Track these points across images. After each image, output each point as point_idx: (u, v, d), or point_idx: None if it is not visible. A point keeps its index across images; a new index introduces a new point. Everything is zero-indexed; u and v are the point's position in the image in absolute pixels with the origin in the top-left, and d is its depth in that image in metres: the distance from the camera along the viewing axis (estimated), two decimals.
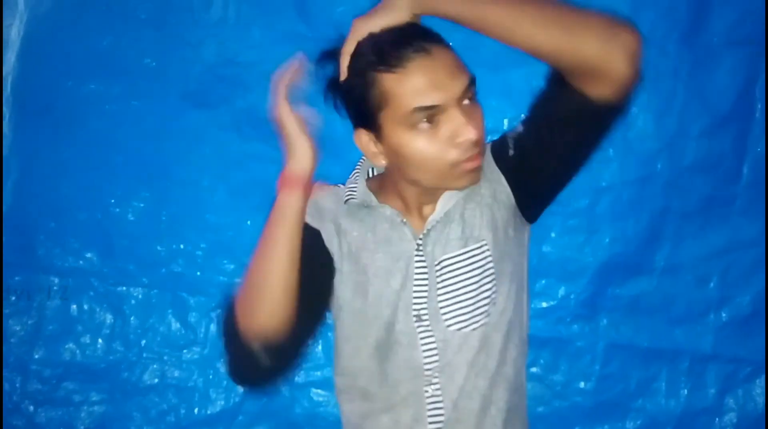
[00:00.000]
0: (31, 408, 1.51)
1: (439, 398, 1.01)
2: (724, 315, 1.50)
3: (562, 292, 1.51)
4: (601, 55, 0.85)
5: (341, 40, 0.95)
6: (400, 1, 0.91)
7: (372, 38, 0.91)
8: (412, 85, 0.89)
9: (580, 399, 1.52)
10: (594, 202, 1.48)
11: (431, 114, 0.90)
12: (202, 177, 1.52)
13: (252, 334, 0.93)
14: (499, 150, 1.04)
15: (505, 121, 1.48)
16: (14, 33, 1.50)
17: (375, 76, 0.91)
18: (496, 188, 1.03)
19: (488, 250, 1.01)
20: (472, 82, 0.92)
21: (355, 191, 1.04)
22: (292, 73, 0.97)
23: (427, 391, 1.01)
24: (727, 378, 1.50)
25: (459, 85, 0.90)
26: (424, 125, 0.91)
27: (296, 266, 0.95)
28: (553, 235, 1.50)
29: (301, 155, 0.95)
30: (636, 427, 1.51)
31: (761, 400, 1.49)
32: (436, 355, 1.01)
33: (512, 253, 1.05)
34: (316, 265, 1.02)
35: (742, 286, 1.49)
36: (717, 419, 1.50)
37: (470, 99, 0.93)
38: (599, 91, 0.88)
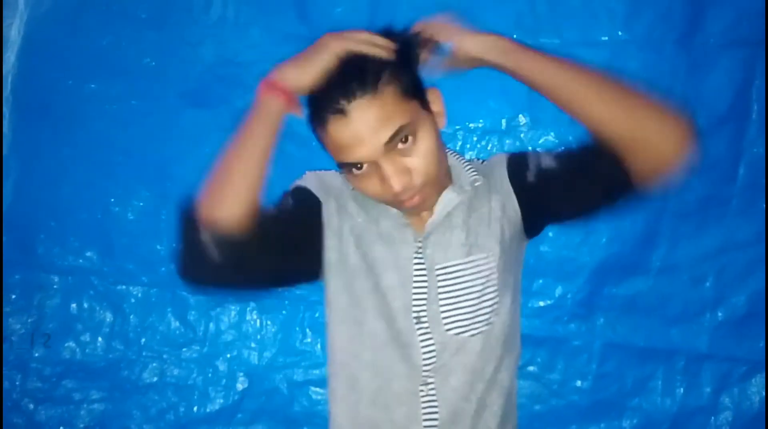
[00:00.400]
0: (31, 406, 1.52)
1: (434, 398, 1.02)
2: (719, 315, 1.50)
3: (559, 291, 1.51)
4: (656, 136, 0.87)
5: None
6: (488, 40, 0.97)
7: (318, 87, 0.93)
8: (335, 143, 0.92)
9: (577, 398, 1.52)
10: None
11: (358, 166, 0.93)
12: (202, 176, 1.52)
13: (207, 222, 0.92)
14: (517, 168, 1.04)
15: (503, 121, 1.49)
16: (14, 32, 1.51)
17: (312, 126, 0.96)
18: (506, 203, 1.04)
19: (493, 261, 1.02)
20: (403, 127, 0.92)
21: None
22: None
23: (422, 391, 1.02)
24: (723, 377, 1.50)
25: (379, 140, 0.90)
26: (354, 171, 0.94)
27: (264, 165, 0.95)
28: (550, 234, 1.50)
29: (306, 73, 0.92)
30: (632, 426, 1.52)
31: (757, 399, 1.49)
32: (433, 356, 1.02)
33: (512, 266, 1.07)
34: (301, 225, 1.03)
35: (738, 286, 1.50)
36: (713, 418, 1.50)
37: (405, 141, 0.93)
38: (642, 172, 0.90)
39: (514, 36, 1.43)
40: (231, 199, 0.93)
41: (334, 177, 1.10)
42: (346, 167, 0.94)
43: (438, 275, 1.02)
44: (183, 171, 1.52)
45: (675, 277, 1.51)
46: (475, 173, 1.07)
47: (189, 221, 0.95)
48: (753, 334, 1.49)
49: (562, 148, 1.02)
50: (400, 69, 0.93)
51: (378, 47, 0.93)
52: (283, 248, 1.01)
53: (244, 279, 0.98)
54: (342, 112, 0.89)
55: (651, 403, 1.52)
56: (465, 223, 1.03)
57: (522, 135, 1.49)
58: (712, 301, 1.50)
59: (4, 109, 1.52)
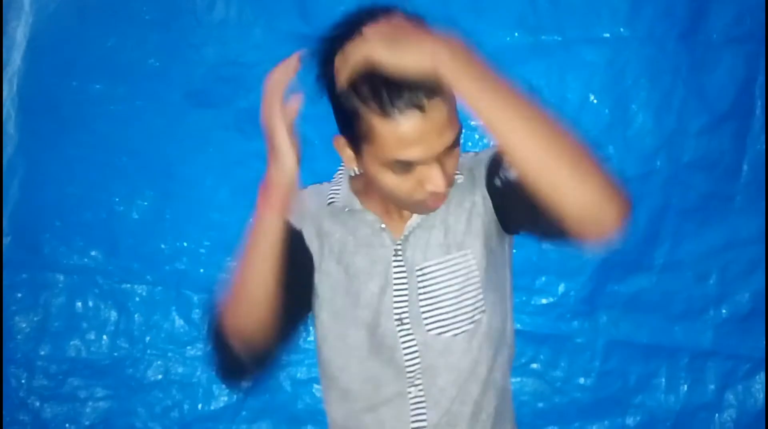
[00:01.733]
0: (38, 404, 1.53)
1: (422, 399, 1.02)
2: (723, 312, 1.50)
3: (561, 288, 1.51)
4: (591, 212, 0.79)
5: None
6: (427, 50, 0.81)
7: (375, 69, 0.89)
8: (398, 138, 0.86)
9: (580, 395, 1.52)
10: None
11: (409, 165, 0.91)
12: (206, 176, 1.54)
13: (236, 339, 0.95)
14: (492, 168, 1.04)
15: None
16: (20, 34, 1.52)
17: (365, 110, 0.87)
18: (484, 200, 1.04)
19: (473, 258, 1.02)
20: (459, 135, 0.92)
21: (338, 193, 1.05)
22: (287, 71, 0.90)
23: (410, 392, 1.03)
24: (727, 374, 1.50)
25: (444, 143, 0.88)
26: (399, 170, 0.92)
27: (278, 277, 0.95)
28: None
29: (283, 169, 0.89)
30: (636, 423, 1.52)
31: (761, 396, 1.49)
32: (417, 357, 1.02)
33: (496, 263, 1.06)
34: (296, 265, 1.03)
35: (742, 283, 1.50)
36: (716, 415, 1.50)
37: (452, 148, 0.92)
38: (577, 236, 0.84)
39: (516, 34, 1.47)
40: (253, 319, 0.94)
41: (309, 196, 1.09)
42: (398, 166, 0.92)
43: (418, 276, 1.02)
44: (187, 170, 1.54)
45: (678, 274, 1.50)
46: (457, 172, 1.06)
47: (218, 335, 0.97)
48: (757, 331, 1.49)
49: None
50: None
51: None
52: (299, 311, 1.04)
53: (279, 359, 1.02)
54: (421, 107, 0.84)
55: (654, 400, 1.51)
56: (443, 222, 1.03)
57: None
58: (716, 299, 1.50)
59: (10, 110, 1.53)
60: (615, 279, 1.51)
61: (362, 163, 0.95)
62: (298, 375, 1.54)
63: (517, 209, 0.98)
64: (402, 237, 1.03)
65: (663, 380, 1.51)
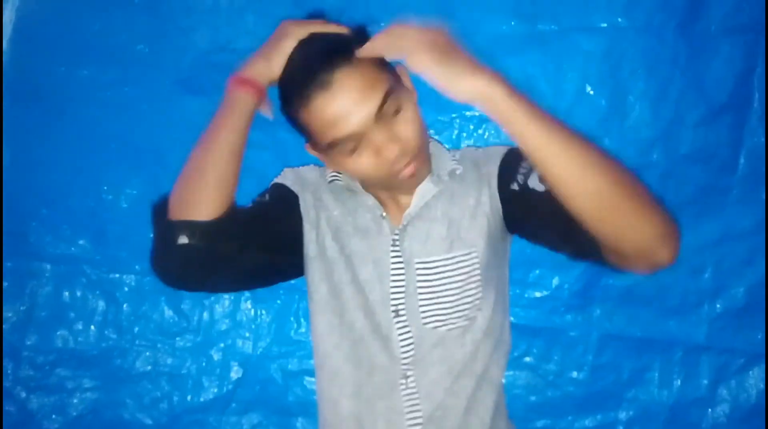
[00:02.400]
0: (24, 394, 1.51)
1: (414, 390, 1.01)
2: (718, 306, 1.49)
3: (555, 282, 1.50)
4: (641, 240, 0.80)
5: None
6: (479, 85, 0.81)
7: (292, 68, 0.92)
8: (321, 121, 0.89)
9: (573, 389, 1.51)
10: None
11: (350, 140, 0.90)
12: None
13: (179, 217, 0.93)
14: (507, 169, 1.02)
15: None
16: (6, 18, 1.49)
17: (294, 112, 0.93)
18: (492, 199, 1.02)
19: (477, 257, 1.01)
20: (388, 93, 0.90)
21: (340, 173, 1.05)
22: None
23: (402, 384, 1.02)
24: (721, 369, 1.50)
25: (368, 107, 0.89)
26: (348, 150, 0.91)
27: (236, 161, 0.95)
28: None
29: (273, 65, 0.95)
30: (629, 418, 1.51)
31: (754, 391, 1.49)
32: (411, 349, 1.01)
33: (498, 261, 1.05)
34: (285, 220, 1.02)
35: (737, 276, 1.49)
36: (710, 410, 1.50)
37: (393, 109, 0.91)
38: (622, 267, 0.86)
39: (512, 23, 1.45)
40: (205, 196, 0.93)
41: (310, 171, 1.10)
42: (336, 149, 0.91)
43: (417, 269, 1.01)
44: (176, 158, 1.47)
45: (673, 267, 1.48)
46: (455, 162, 1.05)
47: (162, 218, 0.94)
48: (752, 325, 1.48)
49: None
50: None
51: (336, 28, 0.93)
52: (263, 244, 1.01)
53: (224, 274, 0.97)
54: (325, 85, 0.88)
55: (648, 394, 1.51)
56: (446, 216, 1.02)
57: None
58: (711, 292, 1.49)
59: None
60: (609, 272, 1.50)
61: (328, 161, 0.95)
62: (289, 366, 1.53)
63: (533, 220, 0.96)
64: (400, 227, 1.02)
65: (656, 374, 1.51)
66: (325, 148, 0.94)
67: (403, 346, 1.02)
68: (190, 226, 0.91)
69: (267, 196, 1.05)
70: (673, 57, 1.43)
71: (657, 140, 1.45)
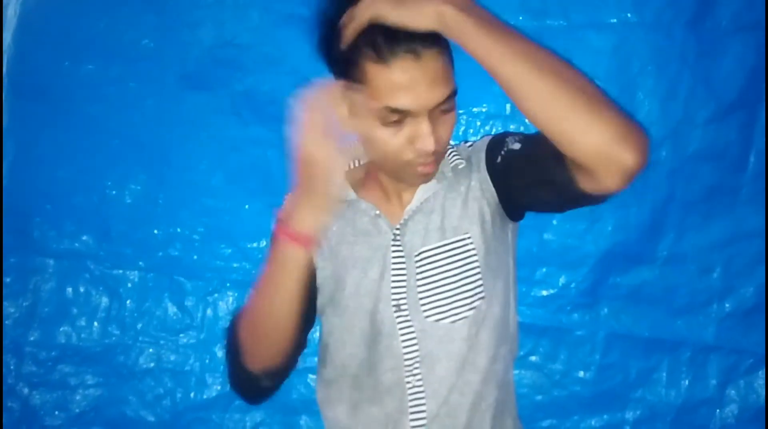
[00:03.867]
0: (26, 390, 1.51)
1: (421, 388, 1.00)
2: (726, 306, 1.48)
3: (562, 280, 1.49)
4: (608, 151, 0.78)
5: None
6: (430, 10, 0.84)
7: (377, 23, 0.88)
8: (391, 83, 0.87)
9: (579, 388, 1.50)
10: None
11: (400, 115, 0.89)
12: (200, 160, 1.51)
13: (256, 368, 0.97)
14: (492, 149, 1.03)
15: (507, 106, 1.46)
16: (10, 13, 1.48)
17: (361, 56, 0.89)
18: (483, 184, 1.02)
19: (471, 243, 1.00)
20: (453, 94, 0.90)
21: None
22: (326, 96, 0.86)
23: (409, 382, 1.01)
24: (729, 369, 1.48)
25: (436, 96, 0.88)
26: (390, 121, 0.89)
27: (300, 308, 0.93)
28: (554, 222, 1.48)
29: (319, 210, 0.86)
30: (635, 418, 1.50)
31: (763, 392, 1.47)
32: (416, 345, 1.00)
33: (498, 249, 1.04)
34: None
35: (746, 276, 1.47)
36: (718, 411, 1.48)
37: (445, 109, 0.91)
38: (585, 184, 0.85)
39: (520, 18, 1.44)
40: (277, 352, 0.96)
41: None
42: (389, 116, 0.89)
43: (416, 262, 1.00)
44: (181, 154, 1.51)
45: (682, 267, 1.48)
46: (457, 157, 1.05)
47: (235, 361, 0.99)
48: (760, 326, 1.47)
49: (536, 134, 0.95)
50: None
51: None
52: (309, 321, 1.04)
53: (291, 370, 1.04)
54: (416, 53, 0.86)
55: (655, 394, 1.50)
56: (441, 206, 1.02)
57: (526, 119, 1.45)
58: (719, 292, 1.48)
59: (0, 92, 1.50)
60: (617, 271, 1.49)
61: (355, 121, 0.92)
62: None
63: (521, 180, 0.97)
64: (401, 222, 1.01)
65: (664, 374, 1.49)
66: (370, 108, 0.90)
67: (407, 343, 1.01)
68: (269, 374, 0.98)
69: None
70: (682, 54, 1.42)
71: (666, 138, 1.44)
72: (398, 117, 0.89)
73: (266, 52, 1.47)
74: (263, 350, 0.96)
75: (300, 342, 1.01)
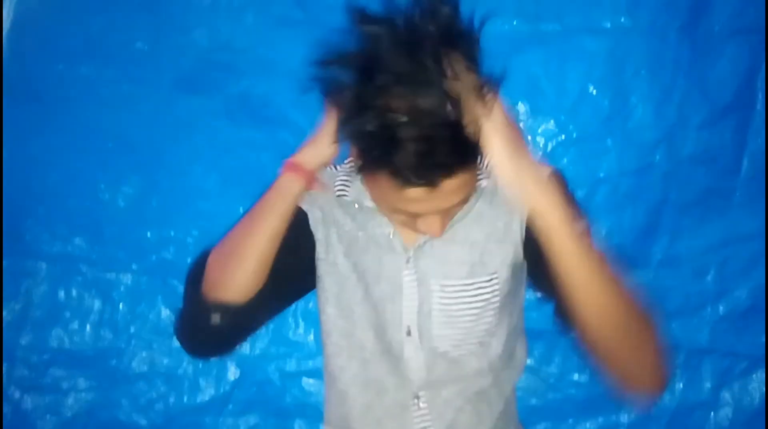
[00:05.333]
0: (18, 394, 1.50)
1: (426, 411, 1.00)
2: (721, 308, 1.48)
3: None
4: (636, 373, 0.85)
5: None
6: (545, 184, 0.80)
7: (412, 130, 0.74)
8: (402, 196, 0.79)
9: (574, 391, 1.50)
10: (591, 193, 1.46)
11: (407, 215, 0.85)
12: (194, 163, 1.50)
13: (214, 299, 0.93)
14: None
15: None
16: (4, 14, 1.48)
17: (375, 150, 0.76)
18: (522, 229, 0.98)
19: (497, 285, 0.97)
20: (465, 200, 0.85)
21: (348, 186, 1.01)
22: None
23: (414, 404, 1.00)
24: (724, 372, 1.48)
25: (450, 204, 0.82)
26: (397, 213, 0.86)
27: (276, 247, 0.94)
28: None
29: (323, 150, 0.93)
30: (630, 421, 1.50)
31: (757, 395, 1.47)
32: (423, 369, 0.99)
33: (517, 285, 1.03)
34: (295, 246, 1.00)
35: (740, 279, 1.47)
36: (712, 414, 1.48)
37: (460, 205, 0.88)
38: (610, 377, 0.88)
39: (514, 23, 1.44)
40: (240, 278, 0.93)
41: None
42: (391, 209, 0.86)
43: (434, 291, 0.97)
44: (175, 158, 1.50)
45: (676, 270, 1.48)
46: (480, 176, 1.00)
47: (195, 292, 0.96)
48: (755, 328, 1.47)
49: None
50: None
51: None
52: (285, 294, 1.01)
53: (249, 333, 1.02)
54: (434, 184, 0.77)
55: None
56: (467, 238, 0.96)
57: (521, 123, 1.46)
58: (714, 295, 1.48)
59: None
60: None
61: (363, 176, 0.87)
62: (287, 368, 1.51)
63: (535, 265, 0.95)
64: (416, 245, 0.98)
65: None
66: (378, 193, 0.86)
67: (414, 367, 1.00)
68: (223, 308, 0.93)
69: None
70: (676, 58, 1.42)
71: (660, 141, 1.44)
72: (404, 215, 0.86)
73: (261, 55, 1.46)
74: (227, 274, 0.93)
75: (265, 298, 0.96)
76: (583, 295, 0.81)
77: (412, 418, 1.00)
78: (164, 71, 1.49)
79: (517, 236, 0.97)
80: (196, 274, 0.98)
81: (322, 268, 1.02)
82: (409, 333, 0.98)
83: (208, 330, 0.95)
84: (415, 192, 0.78)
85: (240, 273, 0.93)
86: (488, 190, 0.96)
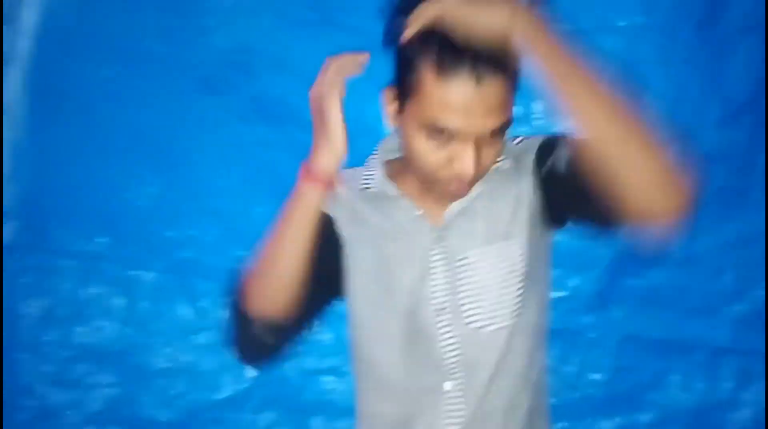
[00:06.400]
0: (44, 389, 1.53)
1: (459, 394, 1.00)
2: (740, 307, 1.47)
3: (574, 282, 1.49)
4: (653, 192, 0.78)
5: None
6: (504, 13, 0.80)
7: (447, 28, 0.83)
8: (445, 101, 0.83)
9: (592, 391, 1.50)
10: None
11: (447, 134, 0.88)
12: (213, 163, 1.53)
13: (258, 316, 0.95)
14: (542, 155, 1.00)
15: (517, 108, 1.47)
16: (30, 18, 1.51)
17: (422, 63, 0.85)
18: (533, 189, 1.00)
19: (518, 249, 0.98)
20: (505, 125, 0.86)
21: (372, 178, 1.03)
22: (354, 63, 0.90)
23: (447, 386, 1.00)
24: (744, 372, 1.48)
25: (488, 124, 0.84)
26: (434, 137, 0.87)
27: (308, 256, 0.94)
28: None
29: (334, 151, 0.91)
30: (649, 420, 1.49)
31: None
32: (457, 350, 1.00)
33: (540, 257, 1.03)
34: (325, 251, 1.01)
35: (759, 278, 1.46)
36: (732, 413, 1.47)
37: (495, 136, 0.90)
38: (628, 212, 0.82)
39: None
40: (277, 296, 0.94)
41: (343, 183, 1.08)
42: (434, 132, 0.89)
43: (459, 266, 0.99)
44: (195, 158, 1.53)
45: (694, 268, 1.48)
46: (501, 158, 1.04)
47: (238, 312, 0.98)
48: None
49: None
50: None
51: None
52: (322, 296, 1.03)
53: (298, 339, 1.02)
54: (479, 77, 0.81)
55: (669, 397, 1.49)
56: (487, 210, 0.99)
57: (536, 123, 1.47)
58: (733, 294, 1.47)
59: (20, 94, 1.53)
60: (629, 273, 1.49)
61: (401, 122, 0.92)
62: (306, 366, 1.53)
63: (569, 193, 0.95)
64: (443, 224, 1.00)
65: (678, 377, 1.48)
66: (420, 123, 0.91)
67: (447, 348, 1.01)
68: (267, 323, 0.95)
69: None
70: (691, 56, 1.42)
71: (676, 140, 1.44)
72: (445, 136, 0.89)
73: (277, 56, 1.49)
74: (264, 291, 0.94)
75: (306, 306, 0.97)
76: (581, 95, 0.80)
77: (444, 399, 1.00)
78: (184, 73, 1.52)
79: (526, 199, 0.98)
80: (236, 298, 1.00)
81: (350, 264, 1.04)
82: (441, 312, 0.99)
83: (258, 343, 0.98)
84: (459, 87, 0.81)
85: (276, 291, 0.95)
86: (503, 169, 0.99)
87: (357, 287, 1.03)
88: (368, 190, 1.02)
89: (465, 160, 0.87)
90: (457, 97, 0.83)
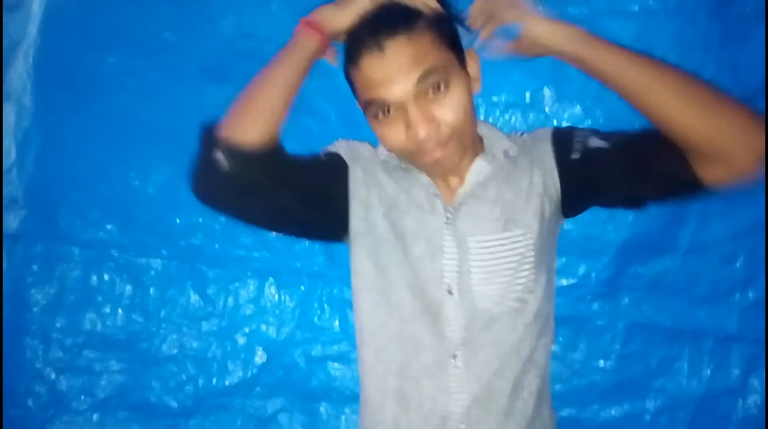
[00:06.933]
0: (53, 375, 1.54)
1: (462, 371, 1.00)
2: (749, 295, 1.46)
3: (582, 270, 1.48)
4: (730, 143, 0.84)
5: None
6: (563, 31, 0.95)
7: (356, 26, 0.96)
8: (365, 81, 0.92)
9: (599, 377, 1.50)
10: None
11: (384, 107, 0.92)
12: None
13: (225, 141, 0.94)
14: (562, 145, 1.02)
15: (527, 94, 1.45)
16: (36, 6, 1.51)
17: (346, 65, 0.97)
18: (547, 180, 1.02)
19: (531, 238, 1.00)
20: (428, 72, 0.91)
21: (393, 156, 1.05)
22: None
23: (451, 364, 1.01)
24: (752, 359, 1.47)
25: (411, 80, 0.90)
26: (380, 115, 0.94)
27: (288, 97, 0.97)
28: None
29: (342, 14, 0.96)
30: (656, 408, 1.49)
31: None
32: (462, 329, 1.00)
33: (549, 244, 1.05)
34: (328, 179, 1.03)
35: None
36: (740, 401, 1.47)
37: (436, 88, 0.91)
38: (711, 175, 0.87)
39: (540, 7, 1.43)
40: (251, 121, 0.95)
41: (363, 147, 1.10)
42: (373, 109, 0.93)
43: (472, 248, 1.00)
44: None
45: (704, 256, 1.47)
46: (508, 142, 1.05)
47: (208, 138, 0.97)
48: None
49: (614, 130, 0.99)
50: (439, 20, 0.94)
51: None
52: (301, 192, 1.00)
53: (256, 205, 0.97)
54: (379, 47, 0.90)
55: (676, 384, 1.49)
56: (499, 197, 1.02)
57: (546, 108, 1.45)
58: (742, 281, 1.46)
59: (26, 82, 1.52)
60: (638, 260, 1.48)
61: (371, 124, 0.97)
62: (313, 352, 1.54)
63: (608, 177, 0.98)
64: (454, 205, 1.01)
65: (685, 364, 1.48)
66: (363, 107, 0.96)
67: (453, 326, 1.01)
68: (232, 151, 0.93)
69: (320, 156, 1.06)
70: (705, 41, 1.40)
71: None
72: (382, 109, 0.92)
73: (285, 44, 1.47)
74: (239, 116, 0.96)
75: (279, 151, 0.97)
76: (653, 91, 0.87)
77: (448, 376, 1.01)
78: (191, 60, 1.51)
79: (540, 189, 1.02)
80: (212, 126, 0.99)
81: (361, 226, 1.04)
82: (450, 292, 1.00)
83: (217, 173, 0.94)
84: (367, 62, 0.91)
85: (249, 116, 0.95)
86: (513, 155, 1.04)
87: (367, 252, 1.04)
88: (389, 163, 1.04)
89: (414, 123, 0.91)
90: (370, 71, 0.91)
